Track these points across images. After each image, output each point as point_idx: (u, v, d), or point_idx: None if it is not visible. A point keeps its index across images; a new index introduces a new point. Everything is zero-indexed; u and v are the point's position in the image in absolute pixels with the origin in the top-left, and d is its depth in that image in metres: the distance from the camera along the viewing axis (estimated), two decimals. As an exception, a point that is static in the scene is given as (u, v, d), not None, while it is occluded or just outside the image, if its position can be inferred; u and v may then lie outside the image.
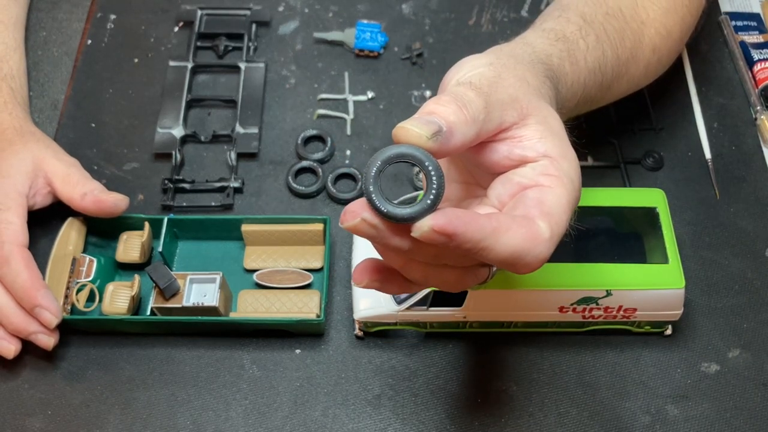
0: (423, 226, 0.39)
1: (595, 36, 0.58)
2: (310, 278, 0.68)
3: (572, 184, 0.43)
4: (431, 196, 0.40)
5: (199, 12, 0.84)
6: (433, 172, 0.40)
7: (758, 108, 0.77)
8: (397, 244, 0.41)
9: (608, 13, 0.60)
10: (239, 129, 0.77)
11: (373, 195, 0.40)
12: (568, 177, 0.43)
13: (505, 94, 0.44)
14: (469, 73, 0.45)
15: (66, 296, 0.65)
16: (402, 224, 0.40)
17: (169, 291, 0.64)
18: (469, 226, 0.39)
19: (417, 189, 0.72)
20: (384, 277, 0.45)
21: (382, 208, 0.40)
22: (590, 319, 0.63)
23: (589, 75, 0.57)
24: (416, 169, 0.74)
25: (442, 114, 0.41)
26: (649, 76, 0.67)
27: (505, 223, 0.40)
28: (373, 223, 0.40)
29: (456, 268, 0.44)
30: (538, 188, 0.42)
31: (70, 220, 0.68)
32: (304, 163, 0.75)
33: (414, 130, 0.40)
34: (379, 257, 0.44)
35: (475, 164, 0.46)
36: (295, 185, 0.73)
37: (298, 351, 0.66)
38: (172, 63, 0.81)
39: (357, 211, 0.40)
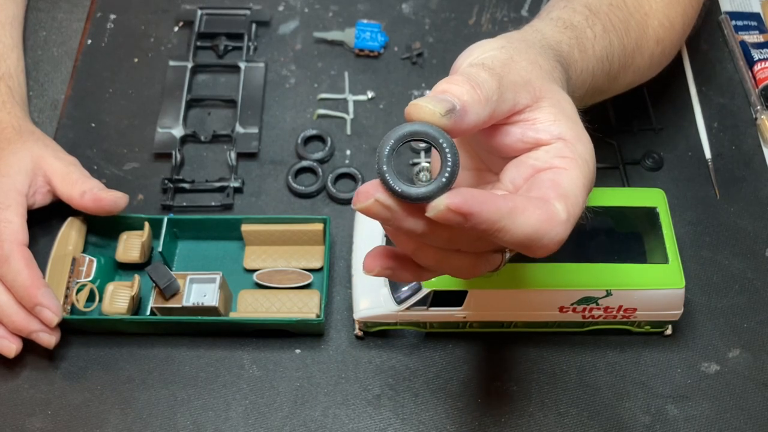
0: (439, 205, 0.38)
1: (602, 26, 0.58)
2: (310, 278, 0.67)
3: (587, 166, 0.43)
4: (446, 174, 0.39)
5: (199, 12, 0.84)
6: (447, 150, 0.39)
7: (758, 108, 0.77)
8: (410, 227, 0.40)
9: (612, 4, 0.60)
10: (239, 129, 0.77)
11: (387, 174, 0.39)
12: (582, 159, 0.43)
13: (518, 76, 0.43)
14: (481, 56, 0.45)
15: (66, 296, 0.65)
16: (416, 205, 0.39)
17: (169, 291, 0.64)
18: (485, 205, 0.38)
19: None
20: (396, 264, 0.44)
21: (397, 188, 0.39)
22: (590, 319, 0.63)
23: (598, 64, 0.57)
24: (416, 168, 0.74)
25: (456, 93, 0.40)
26: (653, 68, 0.67)
27: (522, 204, 0.39)
28: (387, 204, 0.39)
29: (469, 253, 0.43)
30: (552, 170, 0.42)
31: (70, 219, 0.68)
32: (304, 163, 0.75)
33: (428, 107, 0.39)
34: (389, 245, 0.44)
35: (488, 149, 0.46)
36: (295, 185, 0.73)
37: (298, 351, 0.66)
38: (172, 63, 0.81)
39: (370, 192, 0.39)
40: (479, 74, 0.42)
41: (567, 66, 0.52)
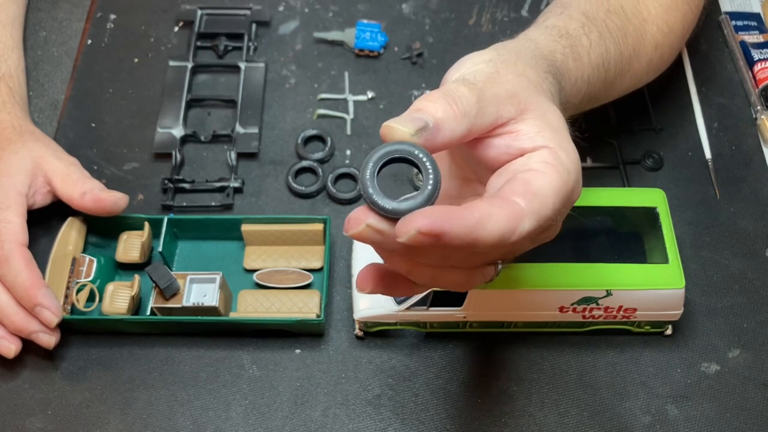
0: (410, 231, 0.38)
1: (598, 33, 0.58)
2: (310, 278, 0.67)
3: (568, 174, 0.43)
4: (430, 183, 0.40)
5: (199, 12, 0.84)
6: (425, 160, 0.40)
7: (758, 108, 0.77)
8: (403, 247, 0.40)
9: (610, 10, 0.60)
10: (239, 129, 0.77)
11: (374, 197, 0.39)
12: (564, 167, 0.43)
13: (502, 89, 0.44)
14: (469, 69, 0.45)
15: (66, 296, 0.65)
16: None
17: (169, 291, 0.64)
18: (455, 222, 0.38)
19: (417, 189, 0.72)
20: (388, 282, 0.44)
21: (387, 206, 0.39)
22: (590, 319, 0.63)
23: (593, 72, 0.57)
24: (415, 170, 0.74)
25: (430, 110, 0.41)
26: (651, 73, 0.67)
27: (486, 210, 0.40)
28: (379, 228, 0.40)
29: (463, 268, 0.44)
30: (529, 172, 0.42)
31: (70, 219, 0.68)
32: (304, 163, 0.75)
33: (398, 128, 0.40)
34: (380, 260, 0.44)
35: (476, 161, 0.46)
36: (295, 185, 0.73)
37: (298, 351, 0.66)
38: (172, 63, 0.81)
39: (361, 218, 0.40)
40: (458, 90, 0.42)
41: (560, 75, 0.52)
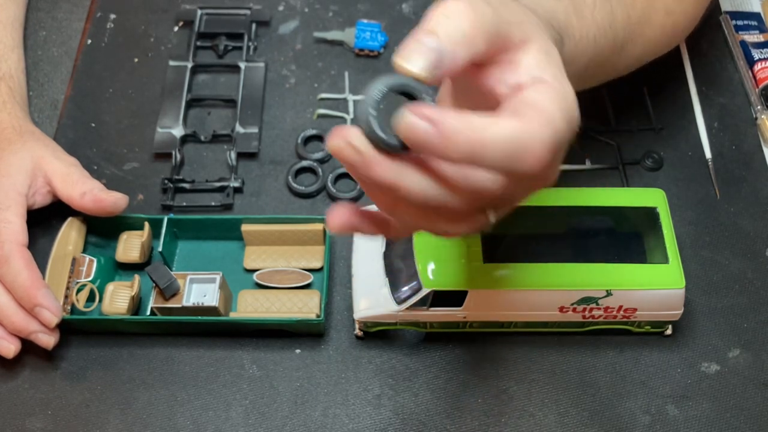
0: (406, 116, 0.36)
1: None
2: (310, 278, 0.68)
3: (566, 102, 0.41)
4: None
5: (199, 12, 0.84)
6: (429, 102, 0.39)
7: (758, 108, 0.77)
8: (380, 175, 0.39)
9: None
10: (239, 129, 0.77)
11: (374, 126, 0.38)
12: (565, 91, 0.41)
13: (512, 15, 0.42)
14: None
15: (66, 296, 0.65)
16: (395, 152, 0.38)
17: (169, 291, 0.64)
18: (456, 116, 0.37)
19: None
20: (360, 220, 0.43)
21: (391, 143, 0.38)
22: (590, 319, 0.63)
23: (599, 31, 0.56)
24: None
25: (448, 29, 0.39)
26: (666, 40, 0.67)
27: (494, 118, 0.38)
28: (359, 148, 0.38)
29: (449, 214, 0.42)
30: (532, 94, 0.40)
31: (70, 219, 0.68)
32: (304, 163, 0.75)
33: (412, 71, 0.38)
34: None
35: (474, 92, 0.44)
36: (295, 185, 0.73)
37: (298, 351, 0.66)
38: (172, 63, 0.81)
39: (345, 135, 0.38)
40: (477, 2, 0.40)
41: (563, 31, 0.51)
